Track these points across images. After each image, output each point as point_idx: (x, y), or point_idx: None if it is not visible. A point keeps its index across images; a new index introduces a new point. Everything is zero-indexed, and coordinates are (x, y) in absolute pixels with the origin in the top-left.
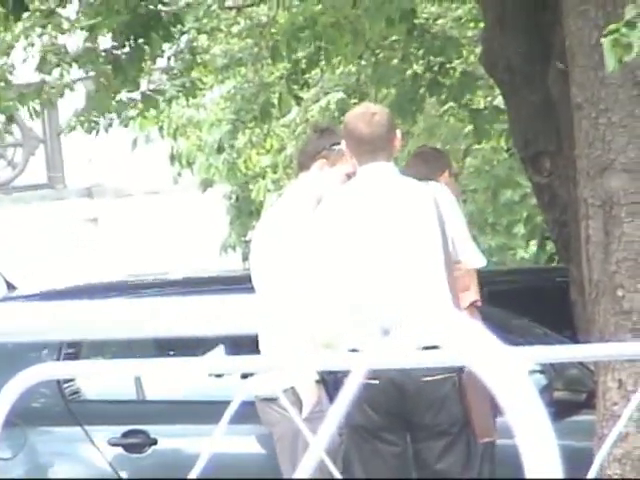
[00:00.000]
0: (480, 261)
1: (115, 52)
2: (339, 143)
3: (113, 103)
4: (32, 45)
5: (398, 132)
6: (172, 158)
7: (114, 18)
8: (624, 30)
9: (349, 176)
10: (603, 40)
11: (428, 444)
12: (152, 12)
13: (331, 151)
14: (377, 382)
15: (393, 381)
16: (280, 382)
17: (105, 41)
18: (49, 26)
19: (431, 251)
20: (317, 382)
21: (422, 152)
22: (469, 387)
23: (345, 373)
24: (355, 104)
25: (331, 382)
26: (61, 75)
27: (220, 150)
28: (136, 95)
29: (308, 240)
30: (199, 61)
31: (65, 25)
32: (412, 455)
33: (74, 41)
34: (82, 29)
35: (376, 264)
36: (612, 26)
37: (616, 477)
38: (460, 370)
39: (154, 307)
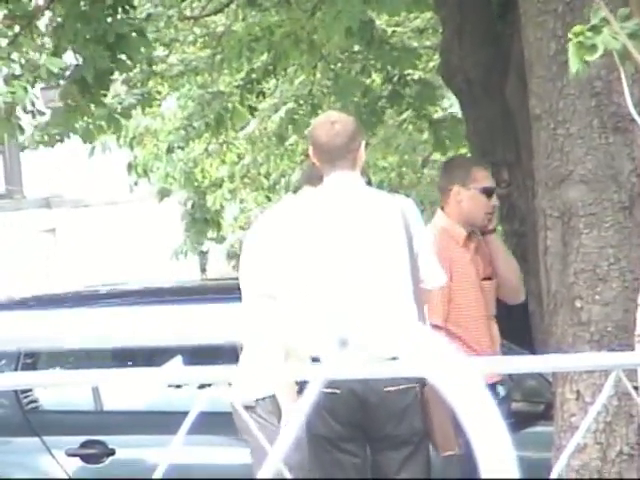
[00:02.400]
0: (440, 281)
1: (83, 72)
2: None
3: (80, 123)
4: None
5: (362, 142)
6: (129, 167)
7: (80, 38)
8: (589, 34)
9: None
10: (569, 44)
11: (388, 455)
12: (119, 33)
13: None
14: (338, 392)
15: (354, 391)
16: (258, 390)
17: (70, 59)
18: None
19: (396, 263)
20: (298, 391)
21: (446, 161)
22: (431, 399)
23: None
24: (305, 114)
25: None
26: (25, 90)
27: (169, 151)
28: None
29: (273, 250)
30: (157, 72)
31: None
32: (372, 466)
33: (38, 62)
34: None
35: (336, 275)
36: (577, 29)
37: None
38: (422, 381)
39: (113, 317)
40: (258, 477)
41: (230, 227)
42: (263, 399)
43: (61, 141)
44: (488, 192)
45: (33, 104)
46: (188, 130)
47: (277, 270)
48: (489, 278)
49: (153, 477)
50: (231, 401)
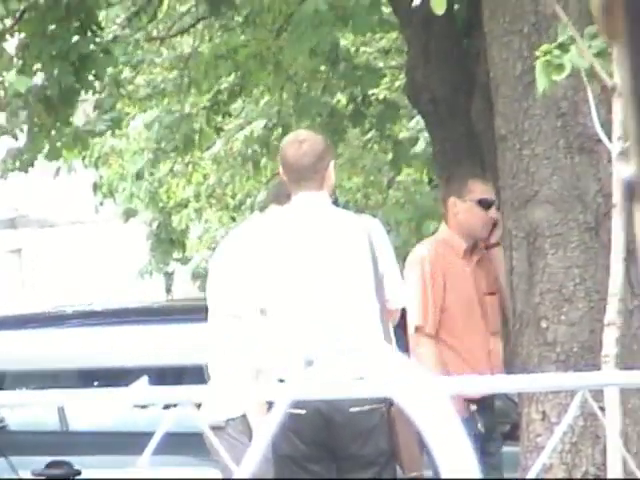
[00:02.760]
0: (403, 304)
1: (49, 91)
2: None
3: (45, 142)
4: None
5: (331, 162)
6: (95, 187)
7: (45, 56)
8: (557, 52)
9: None
10: (536, 62)
11: (355, 475)
12: (84, 52)
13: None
14: (304, 412)
15: (320, 411)
16: (228, 410)
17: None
18: None
19: (361, 284)
20: (268, 410)
21: (446, 175)
22: (398, 419)
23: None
24: (277, 137)
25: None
26: None
27: (139, 177)
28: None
29: (240, 270)
30: (124, 93)
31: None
32: None
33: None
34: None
35: (303, 296)
36: (544, 47)
37: None
38: (389, 401)
39: (79, 338)
40: None
41: (195, 247)
42: (234, 419)
43: (31, 165)
44: (484, 204)
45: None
46: (157, 154)
47: (244, 290)
48: (493, 293)
49: None
50: (200, 422)
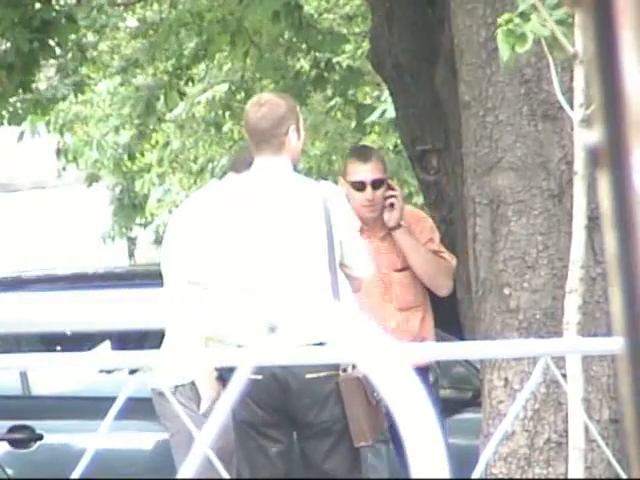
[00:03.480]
0: (367, 270)
1: (9, 56)
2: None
3: (6, 108)
4: None
5: (291, 127)
6: (58, 152)
7: (7, 23)
8: (517, 21)
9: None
10: (497, 31)
11: (313, 443)
12: (46, 18)
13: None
14: (260, 377)
15: (276, 377)
16: (177, 376)
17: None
18: None
19: (314, 251)
20: (217, 378)
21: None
22: (345, 388)
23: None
24: (240, 101)
25: (228, 379)
26: None
27: (101, 147)
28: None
29: (197, 236)
30: (88, 58)
31: None
32: (299, 453)
33: None
34: None
35: (262, 261)
36: (505, 16)
37: (502, 476)
38: (342, 368)
39: (41, 302)
40: (184, 463)
41: (154, 210)
42: (182, 385)
43: None
44: (356, 186)
45: None
46: (121, 121)
47: (202, 256)
48: (404, 269)
49: (81, 462)
50: (152, 387)
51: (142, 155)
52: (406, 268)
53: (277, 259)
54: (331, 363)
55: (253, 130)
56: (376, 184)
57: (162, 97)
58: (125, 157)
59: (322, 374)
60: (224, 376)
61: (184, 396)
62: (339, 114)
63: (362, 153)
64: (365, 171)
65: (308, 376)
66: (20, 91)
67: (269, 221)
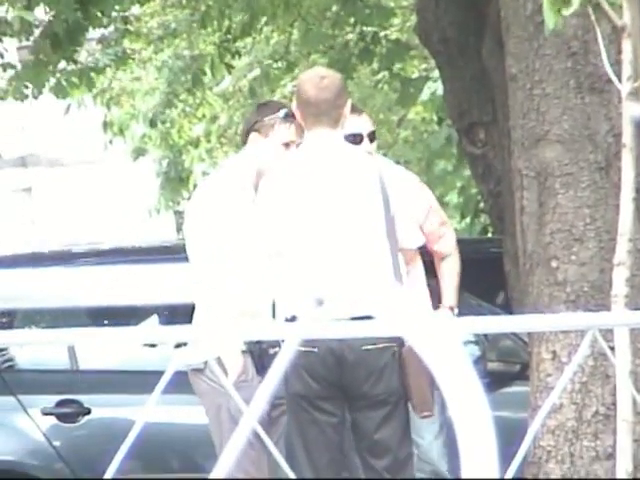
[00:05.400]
0: (417, 242)
1: (54, 27)
2: (271, 115)
3: (49, 78)
4: None
5: (348, 100)
6: (105, 126)
7: None
8: None
9: (288, 144)
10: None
11: (366, 414)
12: None
13: (262, 123)
14: (316, 350)
15: (332, 349)
16: (205, 352)
17: (43, 15)
18: None
19: (372, 225)
20: (243, 352)
21: None
22: (409, 359)
23: (271, 343)
24: (279, 71)
25: (256, 352)
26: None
27: (152, 124)
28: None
29: (252, 210)
30: (132, 30)
31: None
32: (351, 424)
33: (11, 15)
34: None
35: (314, 235)
36: None
37: (549, 448)
38: (401, 341)
39: (89, 276)
40: (231, 438)
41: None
42: (212, 360)
43: (35, 97)
44: (352, 140)
45: (2, 56)
46: (170, 97)
47: (258, 232)
48: None
49: (129, 436)
50: (186, 364)
51: (189, 129)
52: None
53: (332, 233)
54: (387, 335)
55: (314, 101)
56: (371, 136)
57: (208, 69)
58: (172, 130)
59: (379, 346)
60: (252, 350)
61: (213, 372)
62: (386, 87)
63: (354, 107)
64: (360, 123)
65: (364, 348)
66: (64, 62)
67: (326, 194)
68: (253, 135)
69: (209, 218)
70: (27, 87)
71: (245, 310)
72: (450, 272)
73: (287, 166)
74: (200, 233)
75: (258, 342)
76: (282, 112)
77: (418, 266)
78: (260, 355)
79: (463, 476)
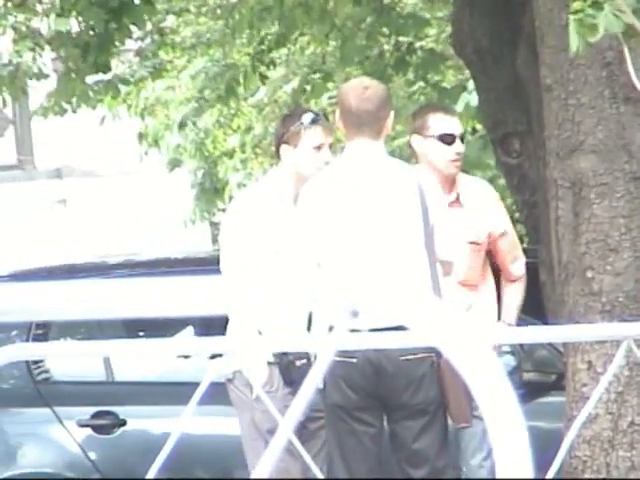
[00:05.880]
0: (450, 255)
1: (85, 36)
2: (296, 123)
3: (80, 87)
4: (4, 31)
5: (391, 112)
6: (140, 137)
7: (84, 2)
8: (590, 11)
9: (319, 147)
10: (570, 17)
11: (405, 424)
12: (124, 1)
13: (288, 134)
14: (355, 361)
15: (371, 360)
16: (234, 364)
17: (75, 25)
18: (20, 14)
19: (410, 235)
20: (270, 363)
21: None
22: (447, 369)
23: (297, 355)
24: (317, 82)
25: (283, 364)
26: (34, 59)
27: (182, 126)
28: (104, 77)
29: (290, 222)
30: (167, 42)
31: (38, 9)
32: (389, 434)
33: (46, 25)
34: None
35: (351, 246)
36: (577, 4)
37: (585, 459)
38: (439, 351)
39: (124, 288)
40: (268, 448)
41: (235, 193)
42: (239, 371)
43: (74, 111)
44: (445, 139)
45: (40, 69)
46: (200, 103)
47: (301, 243)
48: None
49: (165, 447)
50: (223, 375)
51: (224, 140)
52: (477, 242)
53: (370, 244)
54: (426, 346)
55: (356, 111)
56: (462, 138)
57: (242, 79)
58: (207, 141)
59: (417, 356)
60: (281, 362)
61: (241, 382)
62: (422, 98)
63: (447, 107)
64: (454, 124)
65: (403, 358)
66: (95, 72)
67: (366, 205)
68: (283, 147)
69: (243, 230)
70: (69, 103)
71: (276, 322)
72: (517, 293)
73: (327, 176)
74: (233, 245)
75: (284, 354)
76: (305, 117)
77: (490, 283)
78: (287, 367)
79: None
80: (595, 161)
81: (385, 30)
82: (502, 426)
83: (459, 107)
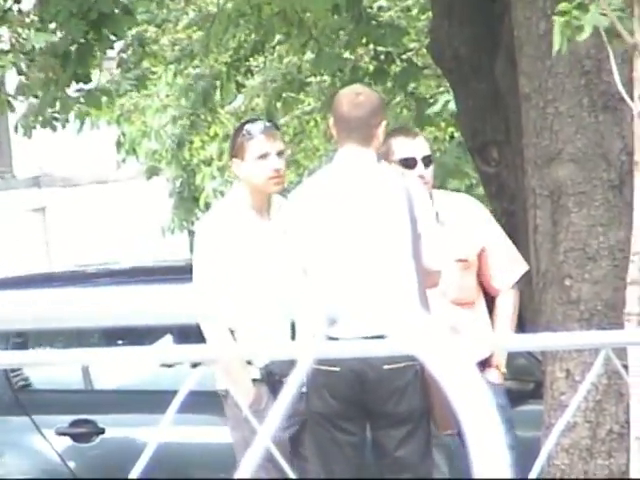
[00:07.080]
0: (437, 264)
1: (64, 47)
2: (239, 137)
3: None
4: None
5: (384, 121)
6: (118, 145)
7: (64, 14)
8: (576, 12)
9: (265, 156)
10: (555, 19)
11: (388, 432)
12: (104, 11)
13: (236, 149)
14: (337, 369)
15: (353, 369)
16: (221, 382)
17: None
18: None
19: (397, 244)
20: (259, 381)
21: None
22: (431, 377)
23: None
24: (293, 92)
25: (271, 383)
26: (15, 64)
27: (180, 146)
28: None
29: (260, 230)
30: (148, 52)
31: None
32: (371, 442)
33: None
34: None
35: (337, 253)
36: (563, 5)
37: (563, 467)
38: None
39: (102, 296)
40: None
41: (210, 199)
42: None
43: (63, 126)
44: (406, 163)
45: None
46: (192, 120)
47: (286, 252)
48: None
49: (143, 456)
50: (216, 387)
51: (202, 148)
52: (465, 260)
53: (355, 251)
54: (409, 354)
55: (347, 117)
56: (426, 161)
57: (218, 88)
58: (184, 149)
59: (400, 365)
60: (270, 380)
61: (234, 399)
62: (400, 109)
63: (408, 130)
64: (414, 147)
65: (386, 367)
66: (76, 82)
67: (353, 212)
68: (234, 161)
69: (211, 246)
70: (56, 119)
71: (255, 332)
72: (511, 305)
73: (315, 182)
74: (202, 256)
75: (271, 373)
76: (246, 130)
77: (482, 303)
78: (274, 385)
79: None
80: (573, 169)
81: (363, 39)
82: (481, 434)
83: (437, 107)
